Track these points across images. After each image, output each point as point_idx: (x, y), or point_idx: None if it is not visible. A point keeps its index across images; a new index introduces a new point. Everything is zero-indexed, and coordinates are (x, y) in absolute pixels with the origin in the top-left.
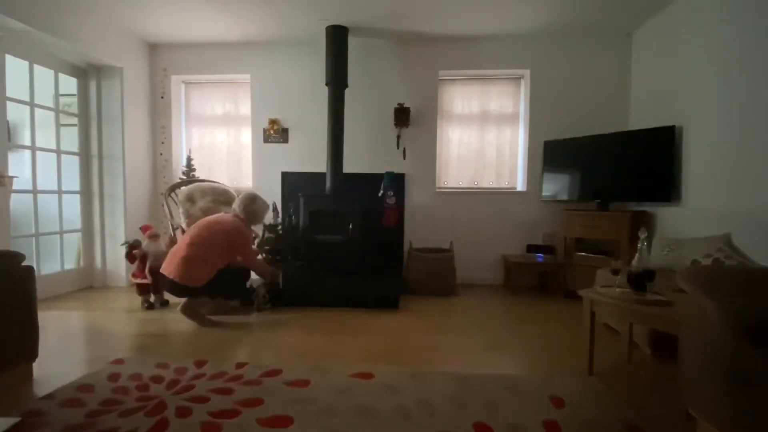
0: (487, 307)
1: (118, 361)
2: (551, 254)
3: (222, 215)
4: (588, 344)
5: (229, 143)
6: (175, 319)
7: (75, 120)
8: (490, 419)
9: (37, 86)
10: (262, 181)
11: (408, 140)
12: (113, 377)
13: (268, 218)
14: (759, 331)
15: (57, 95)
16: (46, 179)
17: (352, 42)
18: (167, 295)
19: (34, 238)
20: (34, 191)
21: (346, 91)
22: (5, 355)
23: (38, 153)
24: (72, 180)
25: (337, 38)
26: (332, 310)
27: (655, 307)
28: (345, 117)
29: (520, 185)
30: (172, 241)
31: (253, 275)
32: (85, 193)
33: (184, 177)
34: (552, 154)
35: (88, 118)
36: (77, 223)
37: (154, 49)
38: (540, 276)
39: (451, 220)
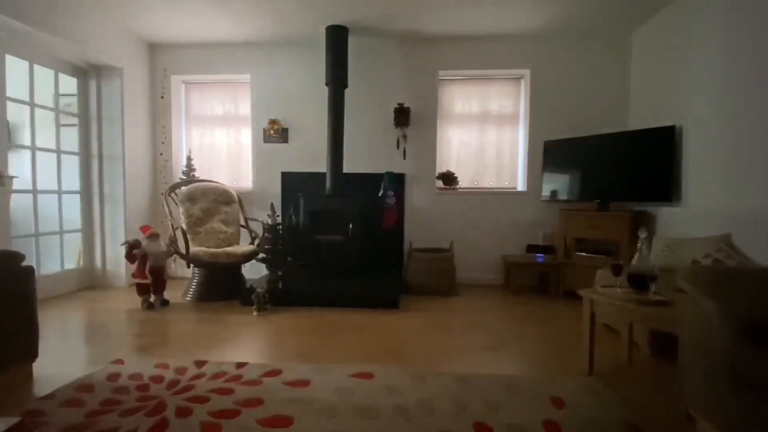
0: (487, 307)
1: (118, 361)
2: (551, 254)
3: None
4: (588, 344)
5: (229, 143)
6: (175, 319)
7: (75, 120)
8: (490, 419)
9: (37, 86)
10: (262, 181)
11: (408, 140)
12: (113, 377)
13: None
14: (759, 331)
15: (57, 95)
16: (46, 179)
17: (352, 42)
18: (166, 296)
19: (34, 238)
20: (34, 191)
21: (346, 91)
22: (5, 355)
23: (38, 153)
24: (72, 180)
25: (337, 38)
26: (332, 310)
27: (655, 307)
28: (345, 117)
29: (520, 185)
30: (173, 241)
31: (251, 276)
32: (85, 193)
33: (184, 177)
34: (552, 154)
35: (88, 118)
36: (77, 223)
37: (154, 49)
38: (540, 276)
39: (451, 220)
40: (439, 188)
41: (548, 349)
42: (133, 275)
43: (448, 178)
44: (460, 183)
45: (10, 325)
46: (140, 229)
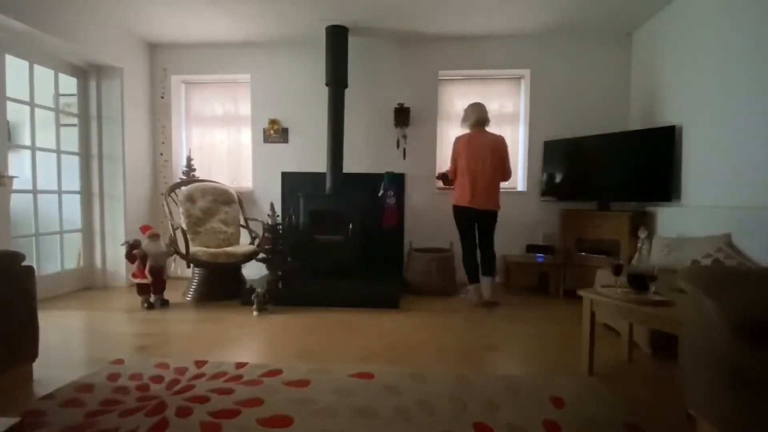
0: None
1: (118, 361)
2: (551, 254)
3: (487, 134)
4: (588, 344)
5: (229, 143)
6: (175, 319)
7: (75, 120)
8: (490, 419)
9: (37, 86)
10: (262, 181)
11: (408, 140)
12: (113, 377)
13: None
14: (759, 331)
15: (57, 95)
16: (46, 179)
17: (352, 42)
18: (166, 296)
19: (34, 238)
20: (34, 191)
21: (346, 91)
22: (5, 355)
23: (38, 153)
24: (72, 180)
25: (337, 38)
26: (332, 310)
27: (655, 307)
28: (345, 117)
29: (520, 185)
30: (173, 241)
31: (251, 276)
32: (85, 193)
33: (184, 177)
34: (552, 154)
35: (88, 118)
36: (77, 223)
37: (154, 49)
38: (540, 276)
39: (451, 220)
40: (439, 188)
41: (548, 349)
42: (133, 275)
43: (449, 178)
44: None
45: (10, 325)
46: (140, 229)
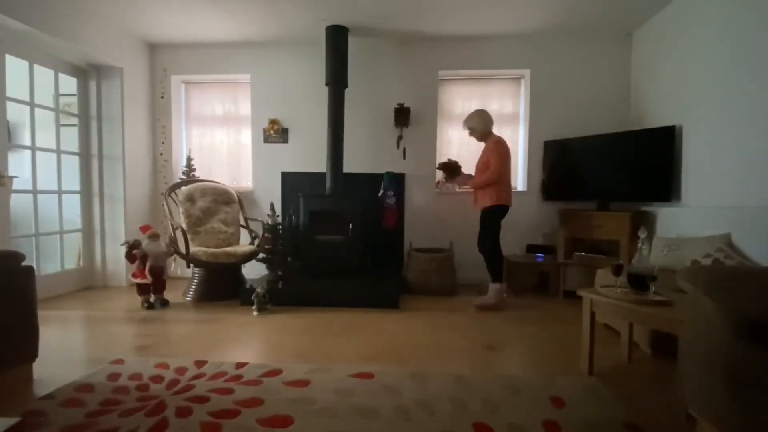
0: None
1: (118, 361)
2: (551, 254)
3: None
4: (588, 344)
5: (229, 143)
6: (175, 319)
7: (75, 120)
8: (490, 419)
9: (37, 86)
10: (262, 181)
11: (408, 140)
12: (113, 377)
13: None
14: (759, 331)
15: (57, 95)
16: (46, 179)
17: (352, 42)
18: (166, 296)
19: (34, 238)
20: (34, 191)
21: (346, 91)
22: (5, 355)
23: (38, 153)
24: (72, 180)
25: (337, 38)
26: (332, 310)
27: (655, 307)
28: (345, 117)
29: (520, 185)
30: (172, 241)
31: (251, 276)
32: (85, 193)
33: (184, 177)
34: (552, 154)
35: (88, 118)
36: (77, 223)
37: (154, 49)
38: (540, 276)
39: (451, 220)
40: (439, 186)
41: (548, 349)
42: (133, 275)
43: (451, 168)
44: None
45: (10, 325)
46: (140, 229)
